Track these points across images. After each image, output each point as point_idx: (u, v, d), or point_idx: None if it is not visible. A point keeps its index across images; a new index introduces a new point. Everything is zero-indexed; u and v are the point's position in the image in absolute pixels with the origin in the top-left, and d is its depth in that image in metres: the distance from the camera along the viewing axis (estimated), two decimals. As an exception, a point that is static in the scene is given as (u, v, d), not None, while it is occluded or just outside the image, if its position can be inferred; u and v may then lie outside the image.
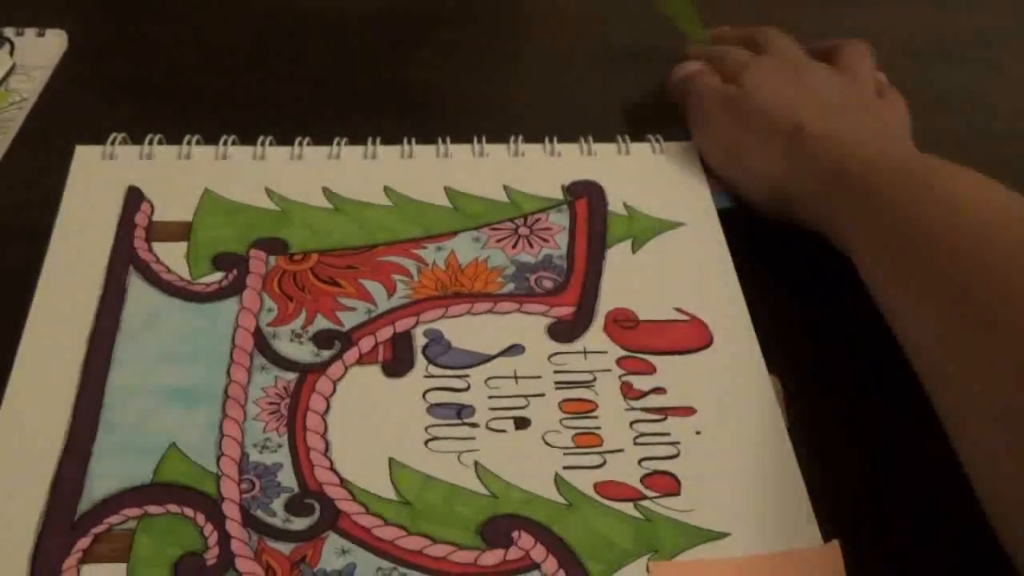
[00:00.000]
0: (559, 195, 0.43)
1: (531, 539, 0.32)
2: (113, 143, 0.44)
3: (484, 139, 0.45)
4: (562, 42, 0.55)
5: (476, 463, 0.34)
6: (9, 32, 0.51)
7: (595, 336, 0.38)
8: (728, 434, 0.35)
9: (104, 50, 0.52)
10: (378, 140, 0.45)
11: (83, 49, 0.52)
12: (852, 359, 0.39)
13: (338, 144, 0.45)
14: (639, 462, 0.34)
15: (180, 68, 0.52)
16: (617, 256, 0.41)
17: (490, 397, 0.36)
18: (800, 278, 0.41)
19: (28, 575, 0.30)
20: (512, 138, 0.46)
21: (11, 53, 0.50)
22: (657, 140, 0.46)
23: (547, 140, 0.46)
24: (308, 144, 0.45)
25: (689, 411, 0.36)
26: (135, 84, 0.50)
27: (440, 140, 0.45)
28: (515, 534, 0.32)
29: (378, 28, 0.55)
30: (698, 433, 0.35)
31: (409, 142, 0.45)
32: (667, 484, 0.34)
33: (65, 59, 0.51)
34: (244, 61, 0.52)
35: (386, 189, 0.43)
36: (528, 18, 0.59)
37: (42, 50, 0.51)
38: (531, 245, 0.41)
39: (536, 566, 0.31)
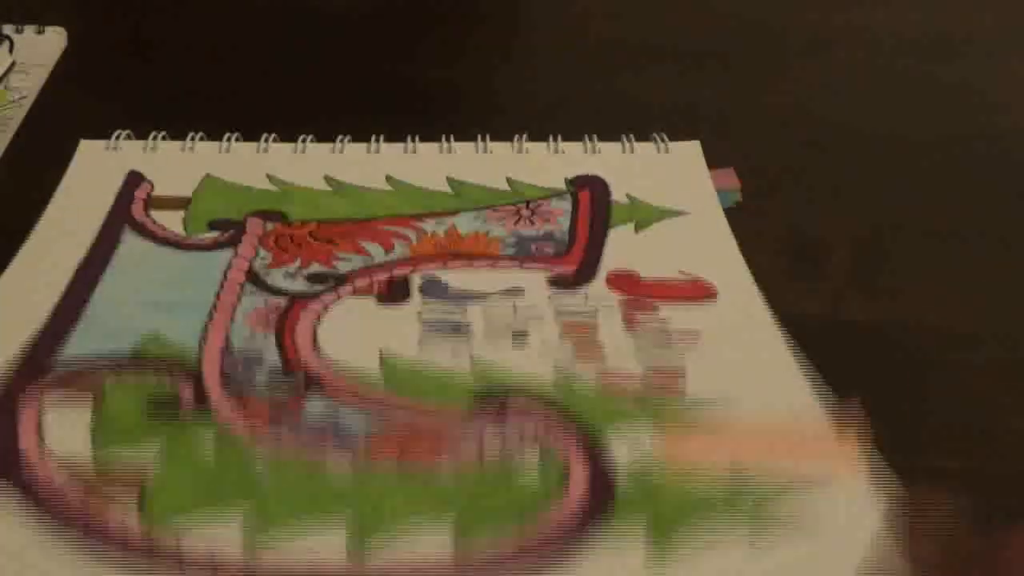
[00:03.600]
0: (562, 186, 0.43)
1: (527, 404, 0.31)
2: (117, 139, 0.44)
3: (488, 137, 0.45)
4: (566, 40, 0.55)
5: (471, 356, 0.33)
6: (8, 29, 0.51)
7: (597, 287, 0.38)
8: (736, 356, 0.34)
9: (104, 47, 0.52)
10: (381, 137, 0.45)
11: (83, 46, 0.51)
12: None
13: (341, 141, 0.45)
14: (641, 362, 0.33)
15: (181, 65, 0.52)
16: (619, 235, 0.41)
17: (487, 322, 0.35)
18: (805, 276, 0.41)
19: None
20: (516, 136, 0.45)
21: (10, 50, 0.50)
22: (662, 139, 0.46)
23: (551, 138, 0.46)
24: (311, 141, 0.45)
25: (695, 336, 0.35)
26: (135, 81, 0.50)
27: (444, 138, 0.45)
28: (511, 399, 0.31)
29: (382, 25, 0.55)
30: (702, 355, 0.34)
31: (412, 139, 0.45)
32: (671, 378, 0.33)
33: (65, 56, 0.51)
34: (246, 58, 0.52)
35: (388, 178, 0.43)
36: (533, 16, 0.58)
37: (41, 47, 0.51)
38: (532, 223, 0.41)
39: (529, 423, 0.30)
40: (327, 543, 0.26)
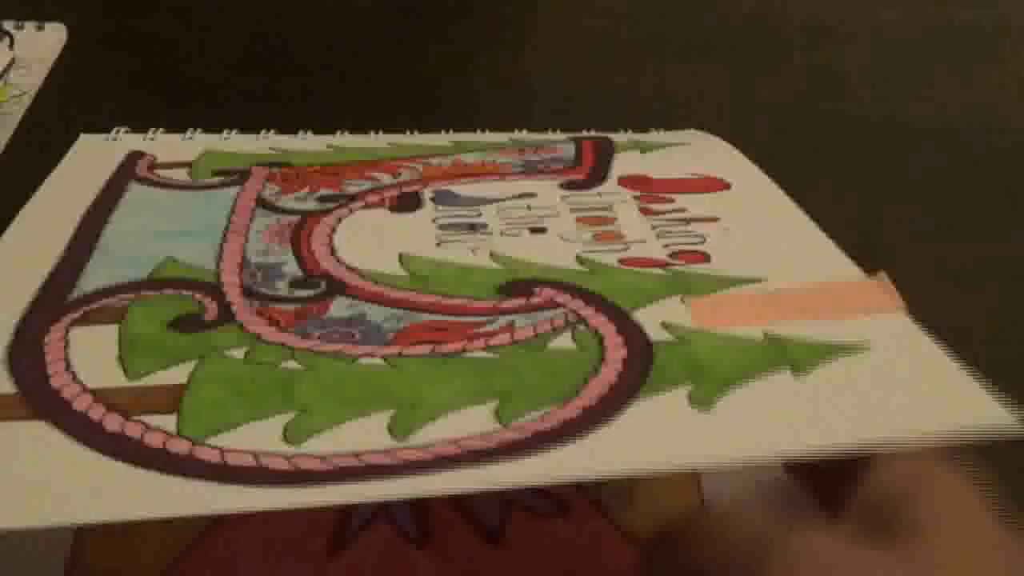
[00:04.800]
0: (563, 138, 0.44)
1: (554, 290, 0.30)
2: (117, 133, 0.44)
3: (488, 131, 0.45)
4: (569, 36, 0.55)
5: (491, 252, 0.32)
6: (8, 26, 0.51)
7: (610, 186, 0.37)
8: (758, 230, 0.34)
9: (104, 43, 0.52)
10: (380, 132, 0.45)
11: (83, 42, 0.51)
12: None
13: (341, 133, 0.45)
14: (664, 247, 0.33)
15: (180, 62, 0.52)
16: (626, 157, 0.41)
17: (503, 220, 0.35)
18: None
19: (10, 343, 0.28)
20: (517, 130, 0.45)
21: (11, 47, 0.50)
22: (664, 135, 0.46)
23: (550, 132, 0.46)
24: (311, 134, 0.45)
25: (712, 220, 0.34)
26: (135, 77, 0.50)
27: (444, 132, 0.45)
28: (536, 288, 0.30)
29: (383, 21, 0.55)
30: (726, 230, 0.34)
31: (413, 132, 0.45)
32: (696, 257, 0.32)
33: (65, 52, 0.51)
34: (245, 54, 0.52)
35: (390, 144, 0.43)
36: (536, 12, 0.58)
37: (41, 44, 0.51)
38: (537, 154, 0.41)
39: (559, 306, 0.29)
40: (369, 434, 0.25)
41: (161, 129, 0.44)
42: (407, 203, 0.36)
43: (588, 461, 0.24)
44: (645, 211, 0.35)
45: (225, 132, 0.44)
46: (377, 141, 0.43)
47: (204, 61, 0.52)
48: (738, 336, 0.28)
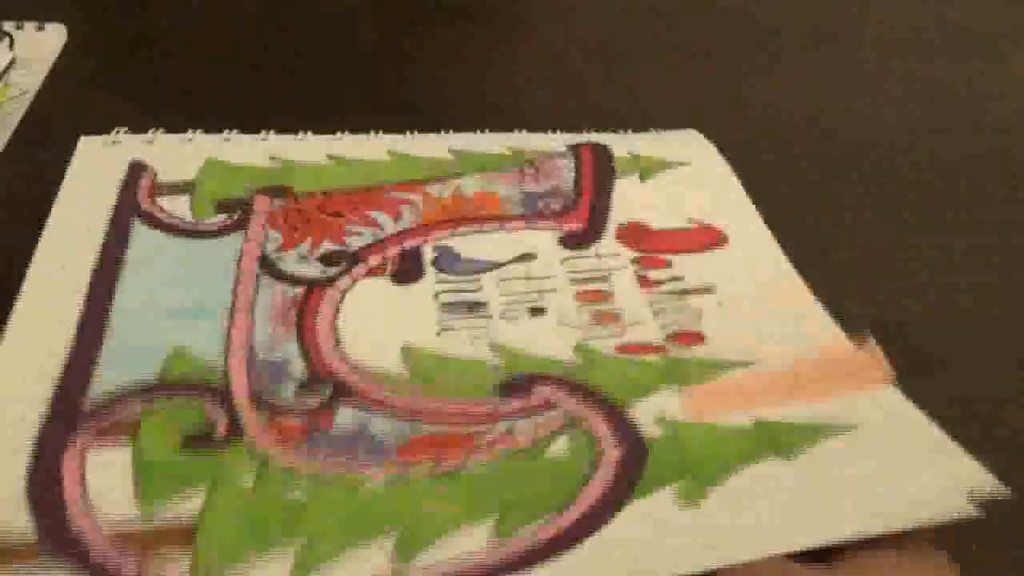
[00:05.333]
0: (563, 149, 0.44)
1: (551, 387, 0.31)
2: (117, 134, 0.44)
3: (488, 131, 0.45)
4: (563, 39, 0.55)
5: (491, 342, 0.33)
6: (9, 26, 0.51)
7: (608, 243, 0.38)
8: (751, 304, 0.35)
9: (104, 44, 0.52)
10: (380, 132, 0.45)
11: (83, 42, 0.51)
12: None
13: (341, 133, 0.45)
14: (661, 327, 0.34)
15: (181, 62, 0.52)
16: (626, 185, 0.41)
17: (502, 295, 0.35)
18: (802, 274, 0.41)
19: (29, 470, 0.28)
20: (516, 130, 0.45)
21: (11, 47, 0.50)
22: (660, 134, 0.46)
23: (548, 132, 0.46)
24: (310, 135, 0.45)
25: (710, 289, 0.35)
26: (135, 78, 0.50)
27: (443, 132, 0.45)
28: (534, 387, 0.31)
29: (381, 25, 0.55)
30: (720, 304, 0.35)
31: (411, 133, 0.45)
32: (692, 338, 0.33)
33: (65, 53, 0.51)
34: (245, 56, 0.52)
35: (389, 152, 0.43)
36: (530, 15, 0.58)
37: (42, 44, 0.51)
38: (537, 181, 0.41)
39: (556, 406, 0.31)
40: (372, 562, 0.26)
41: (162, 129, 0.44)
42: (408, 273, 0.36)
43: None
44: (644, 282, 0.36)
45: (225, 132, 0.44)
46: (376, 148, 0.43)
47: (204, 61, 0.52)
48: (728, 426, 0.29)
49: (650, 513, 0.27)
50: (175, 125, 0.44)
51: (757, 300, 0.35)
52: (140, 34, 0.54)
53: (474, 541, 0.26)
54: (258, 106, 0.48)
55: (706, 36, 0.58)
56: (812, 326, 0.34)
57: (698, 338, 0.33)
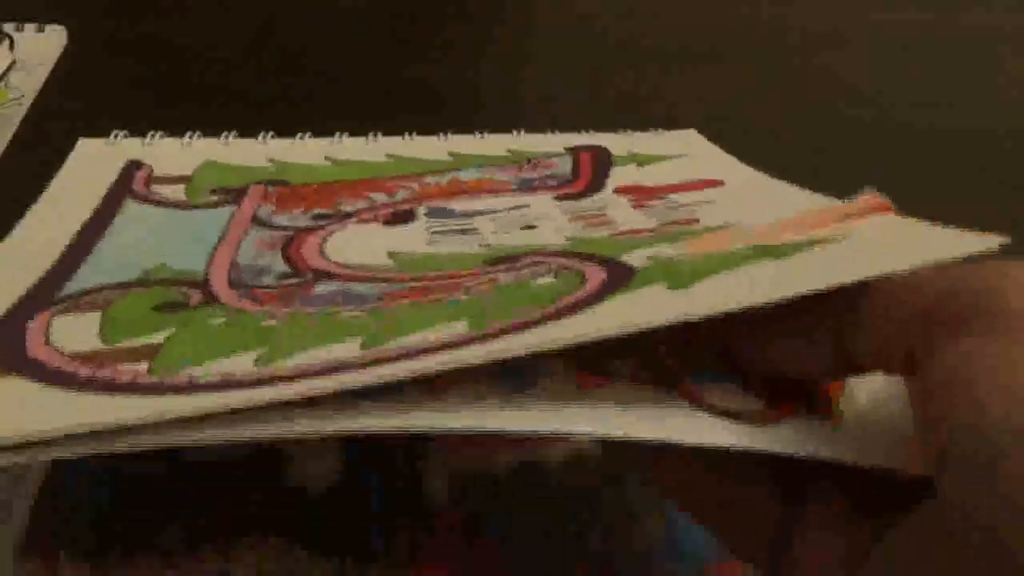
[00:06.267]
0: (561, 151, 0.44)
1: (541, 256, 0.30)
2: (116, 137, 0.44)
3: (486, 133, 0.45)
4: (567, 40, 0.55)
5: (480, 244, 0.33)
6: (9, 28, 0.51)
7: (605, 194, 0.38)
8: (751, 200, 0.35)
9: (104, 46, 0.52)
10: (379, 135, 0.45)
11: (83, 45, 0.52)
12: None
13: (340, 136, 0.45)
14: (657, 224, 0.34)
15: (181, 64, 0.52)
16: (623, 170, 0.41)
17: (495, 225, 0.35)
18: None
19: None
20: (515, 132, 0.46)
21: (11, 49, 0.50)
22: (660, 134, 0.46)
23: (549, 132, 0.46)
24: (310, 137, 0.45)
25: (706, 203, 0.35)
26: (135, 80, 0.50)
27: (442, 134, 0.45)
28: (525, 256, 0.30)
29: (382, 25, 0.55)
30: (713, 202, 0.35)
31: (410, 135, 0.45)
32: (688, 223, 0.33)
33: (65, 55, 0.51)
34: (245, 57, 0.52)
35: (388, 154, 0.43)
36: (533, 15, 0.58)
37: (42, 46, 0.51)
38: (535, 170, 0.42)
39: (545, 263, 0.29)
40: (343, 349, 0.24)
41: (161, 133, 0.44)
42: (400, 218, 0.36)
43: (567, 332, 0.23)
44: (638, 206, 0.36)
45: (224, 136, 0.44)
46: (375, 150, 0.43)
47: (204, 64, 0.52)
48: (725, 251, 0.27)
49: (636, 297, 0.24)
50: (175, 128, 0.44)
51: (758, 199, 0.35)
52: (140, 36, 0.54)
53: (449, 334, 0.24)
54: (258, 109, 0.48)
55: (706, 36, 0.58)
56: (818, 200, 0.32)
57: (694, 221, 0.33)
